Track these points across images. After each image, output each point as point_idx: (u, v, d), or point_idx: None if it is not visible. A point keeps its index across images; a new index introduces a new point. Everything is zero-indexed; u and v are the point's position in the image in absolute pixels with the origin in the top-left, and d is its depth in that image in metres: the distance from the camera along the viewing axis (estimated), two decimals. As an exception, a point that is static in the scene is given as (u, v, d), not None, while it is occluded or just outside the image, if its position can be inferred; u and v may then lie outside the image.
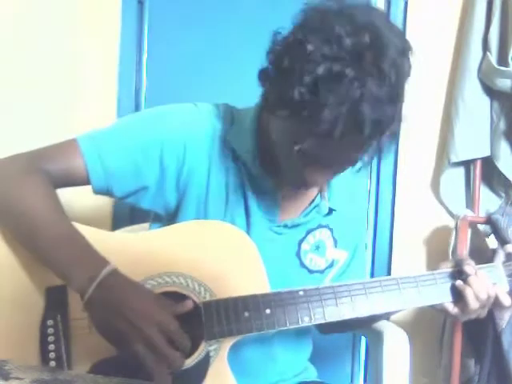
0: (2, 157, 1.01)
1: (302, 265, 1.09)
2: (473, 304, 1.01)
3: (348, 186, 1.16)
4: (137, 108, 1.96)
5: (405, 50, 0.88)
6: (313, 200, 1.10)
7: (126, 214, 1.82)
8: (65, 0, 1.85)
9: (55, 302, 0.94)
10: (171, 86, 1.91)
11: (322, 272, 1.11)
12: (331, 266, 1.12)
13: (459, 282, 1.02)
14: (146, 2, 1.95)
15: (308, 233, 1.09)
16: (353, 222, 1.17)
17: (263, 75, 0.94)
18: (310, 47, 0.84)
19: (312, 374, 1.21)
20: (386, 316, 1.14)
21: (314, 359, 1.22)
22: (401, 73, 0.86)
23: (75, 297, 0.89)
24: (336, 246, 1.13)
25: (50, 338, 0.92)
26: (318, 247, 1.11)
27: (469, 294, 1.00)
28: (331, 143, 0.86)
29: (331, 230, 1.12)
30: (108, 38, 1.93)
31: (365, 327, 1.33)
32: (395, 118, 0.88)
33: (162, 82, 1.94)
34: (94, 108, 1.89)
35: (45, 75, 1.78)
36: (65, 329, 0.93)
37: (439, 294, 1.03)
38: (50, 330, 0.92)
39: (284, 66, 0.87)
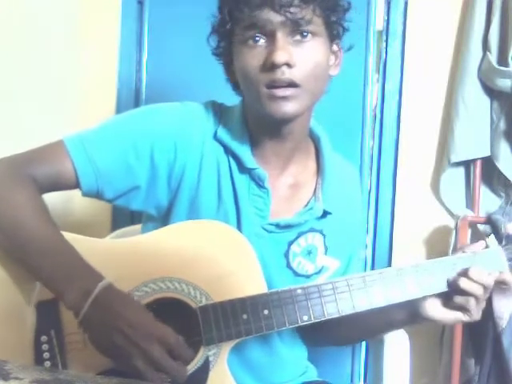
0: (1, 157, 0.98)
1: (289, 266, 1.07)
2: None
3: (346, 191, 1.14)
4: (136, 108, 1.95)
5: None
6: (307, 203, 1.08)
7: (126, 214, 1.81)
8: (65, 0, 1.86)
9: (47, 317, 0.91)
10: (171, 86, 1.91)
11: (308, 277, 1.08)
12: (319, 272, 1.09)
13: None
14: (145, 2, 1.94)
15: (299, 235, 1.07)
16: (349, 231, 1.14)
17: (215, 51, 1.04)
18: None
19: (313, 373, 1.20)
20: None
21: (314, 359, 1.22)
22: None
23: (68, 311, 0.87)
24: (326, 254, 1.10)
25: (46, 355, 0.90)
26: (309, 252, 1.08)
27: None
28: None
29: (324, 236, 1.09)
30: (108, 38, 1.93)
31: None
32: None
33: (161, 82, 1.93)
34: (94, 108, 1.89)
35: (44, 75, 1.78)
36: (60, 344, 0.90)
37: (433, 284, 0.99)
38: (45, 347, 0.90)
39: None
